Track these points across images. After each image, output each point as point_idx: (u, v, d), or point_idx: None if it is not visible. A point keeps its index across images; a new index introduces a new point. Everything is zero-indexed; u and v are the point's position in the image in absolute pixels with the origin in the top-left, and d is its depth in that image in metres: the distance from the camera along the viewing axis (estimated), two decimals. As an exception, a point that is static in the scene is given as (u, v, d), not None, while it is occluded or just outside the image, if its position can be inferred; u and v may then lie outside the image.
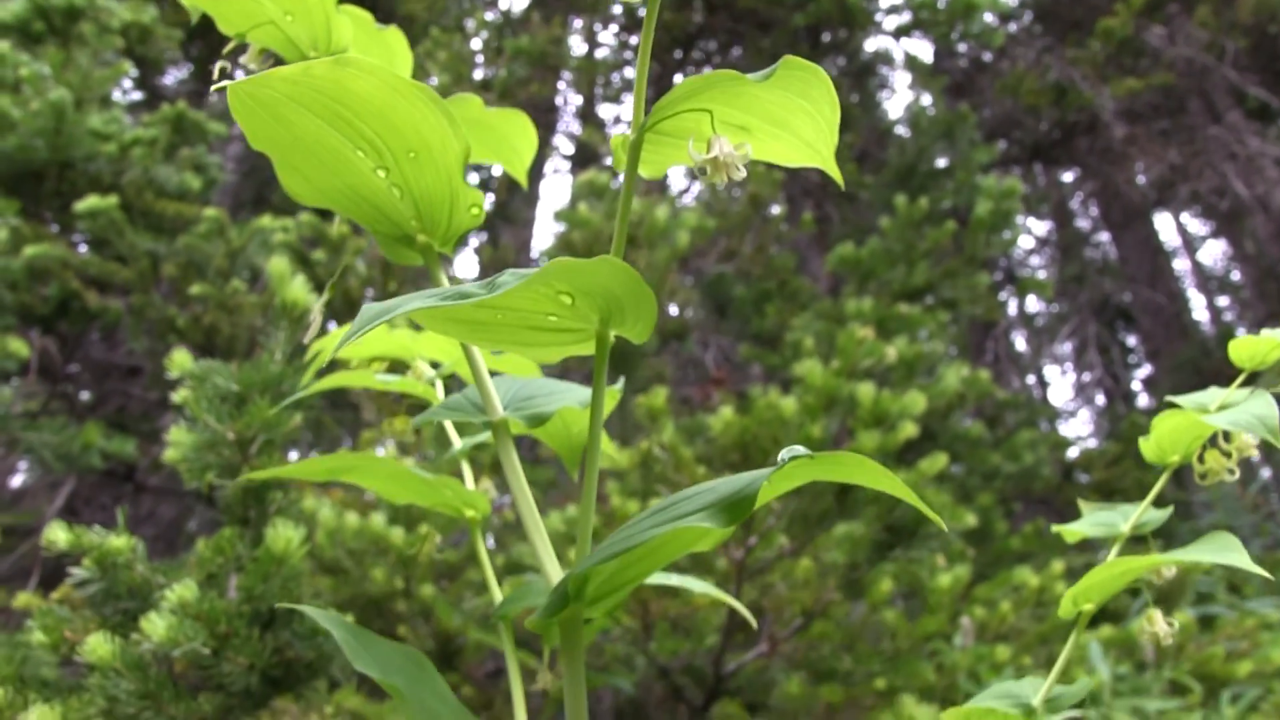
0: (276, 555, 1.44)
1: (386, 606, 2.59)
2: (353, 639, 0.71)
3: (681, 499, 0.59)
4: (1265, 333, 0.83)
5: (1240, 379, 0.87)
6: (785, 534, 2.44)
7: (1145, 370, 14.18)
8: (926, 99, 7.87)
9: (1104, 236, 15.10)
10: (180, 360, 1.89)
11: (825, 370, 2.29)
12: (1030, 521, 4.13)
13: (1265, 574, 0.69)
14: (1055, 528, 0.93)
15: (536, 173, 8.02)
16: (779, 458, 0.57)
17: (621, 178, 0.64)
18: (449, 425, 1.04)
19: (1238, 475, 0.82)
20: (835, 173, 0.69)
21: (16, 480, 6.11)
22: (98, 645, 1.33)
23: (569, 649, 0.65)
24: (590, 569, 0.60)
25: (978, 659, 2.34)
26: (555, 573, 0.68)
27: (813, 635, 2.45)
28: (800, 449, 0.57)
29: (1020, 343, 15.20)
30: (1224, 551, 0.73)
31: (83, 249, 4.69)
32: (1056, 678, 0.85)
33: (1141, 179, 10.34)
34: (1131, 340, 15.01)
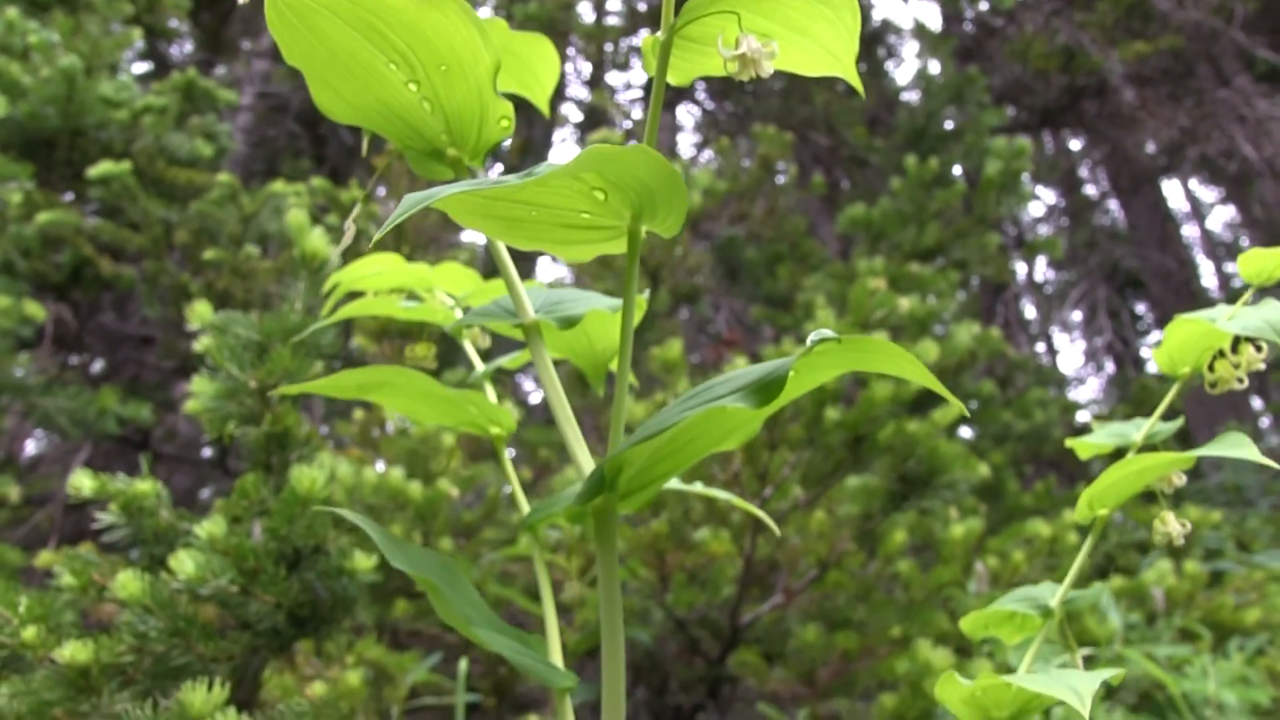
0: (301, 495, 1.46)
1: (405, 561, 2.62)
2: (389, 542, 0.73)
3: (714, 384, 0.61)
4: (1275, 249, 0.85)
5: (1248, 294, 0.89)
6: (800, 485, 2.47)
7: (1155, 336, 14.17)
8: (935, 66, 7.84)
9: (1113, 204, 15.06)
10: (201, 311, 1.91)
11: (838, 323, 2.31)
12: (1041, 480, 4.16)
13: (1274, 464, 0.71)
14: (1069, 441, 0.95)
15: (545, 141, 8.01)
16: (807, 340, 0.58)
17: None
18: (471, 351, 1.05)
19: (1245, 384, 0.84)
20: (855, 79, 0.70)
21: (30, 448, 6.16)
22: (128, 582, 1.36)
23: (603, 541, 0.67)
24: (624, 455, 0.62)
25: (987, 603, 2.35)
26: (588, 463, 0.70)
27: (827, 586, 2.47)
28: (827, 331, 0.58)
29: (1030, 310, 15.19)
30: (1236, 447, 0.75)
31: (94, 220, 4.71)
32: (1072, 583, 0.87)
33: (1150, 145, 10.30)
34: (1141, 307, 14.99)
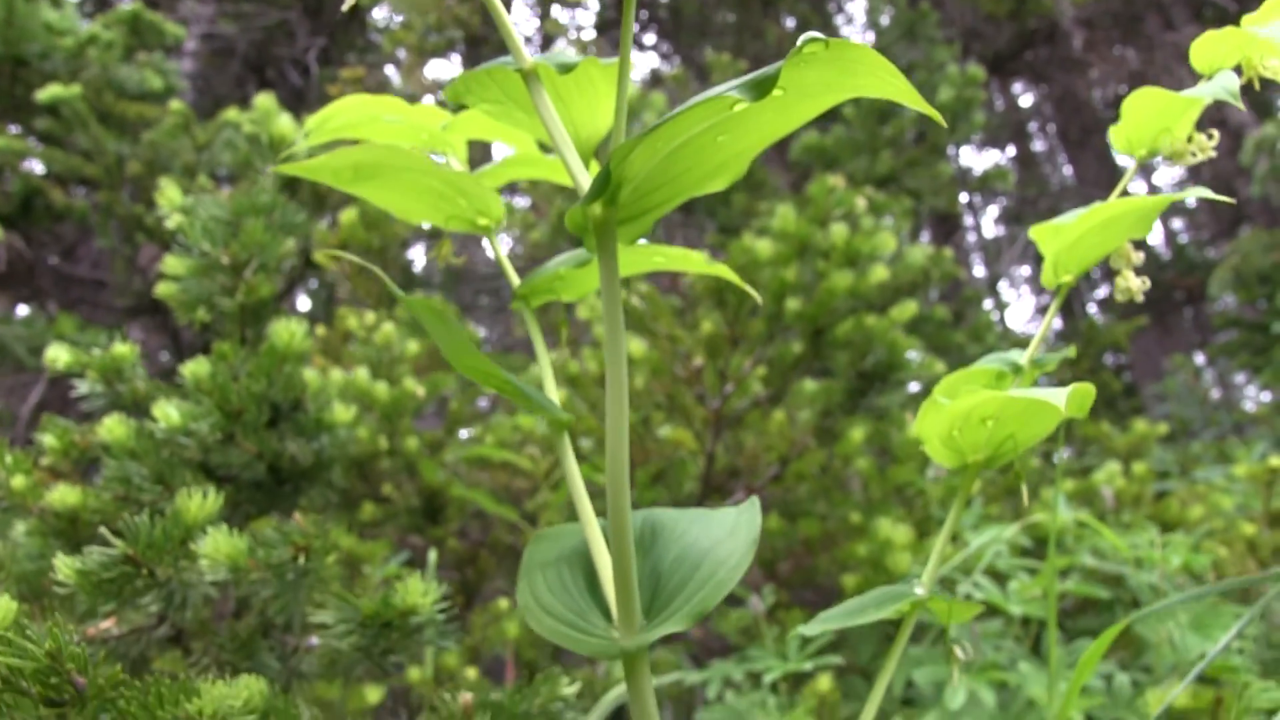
0: (280, 350, 1.48)
1: (370, 466, 2.65)
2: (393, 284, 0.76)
3: (713, 90, 0.64)
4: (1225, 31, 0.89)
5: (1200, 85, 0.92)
6: (760, 383, 2.52)
7: (1102, 291, 14.41)
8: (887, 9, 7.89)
9: (1063, 158, 15.26)
10: (170, 195, 1.91)
11: (798, 218, 2.35)
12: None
13: (1227, 200, 0.76)
14: (1032, 230, 0.99)
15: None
16: (798, 42, 0.62)
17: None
18: (458, 164, 1.07)
19: (1198, 157, 0.88)
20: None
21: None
22: (114, 426, 1.37)
23: (605, 260, 0.69)
24: (625, 166, 0.65)
25: (949, 490, 2.43)
26: (585, 179, 0.73)
27: (788, 482, 2.53)
28: (817, 33, 0.62)
29: (979, 268, 15.37)
30: (1195, 193, 0.80)
31: (42, 148, 4.63)
32: (1039, 343, 0.92)
33: (1099, 93, 10.44)
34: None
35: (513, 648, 2.17)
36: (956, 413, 0.80)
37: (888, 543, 2.13)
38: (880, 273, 2.35)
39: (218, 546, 1.11)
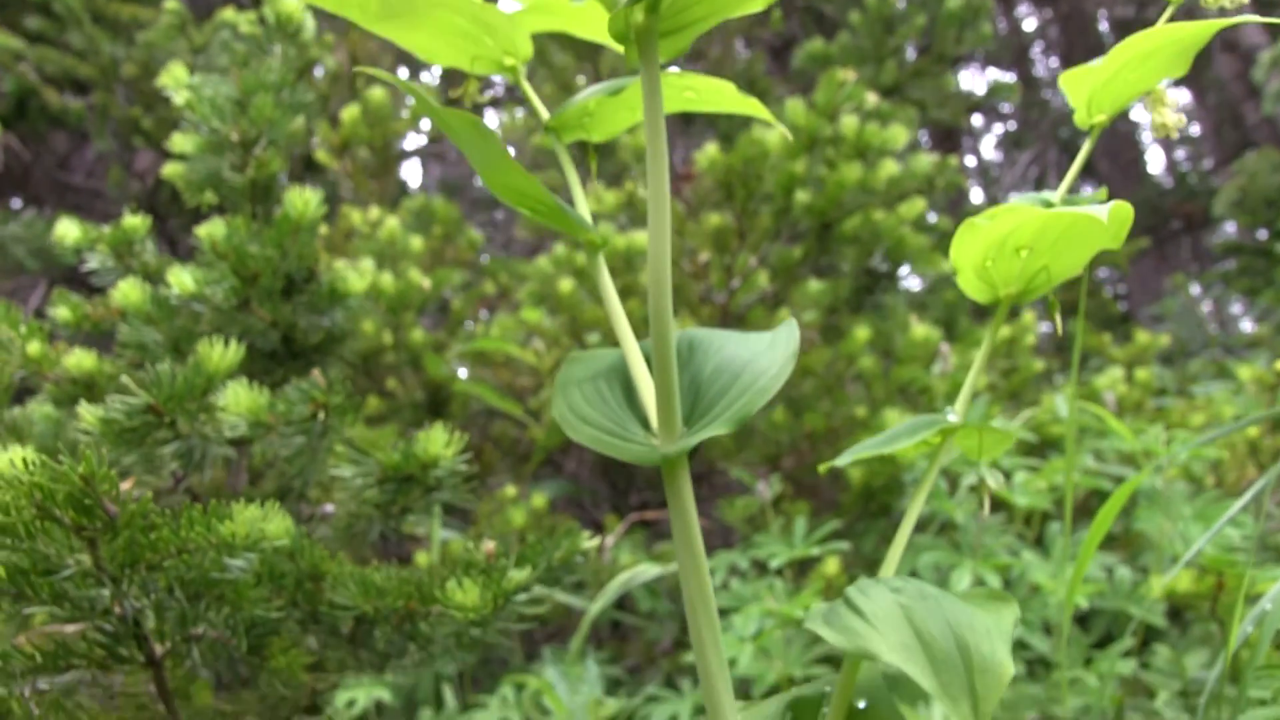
0: (294, 219, 1.47)
1: (375, 360, 2.65)
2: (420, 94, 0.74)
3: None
4: None
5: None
6: (767, 279, 2.51)
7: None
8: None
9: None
10: (177, 74, 1.88)
11: (808, 110, 2.33)
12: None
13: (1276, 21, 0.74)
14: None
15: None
16: None
17: None
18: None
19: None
20: None
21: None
22: (129, 291, 1.37)
23: (647, 64, 0.68)
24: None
25: (955, 385, 2.44)
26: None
27: (793, 378, 2.53)
28: None
29: (978, 192, 15.31)
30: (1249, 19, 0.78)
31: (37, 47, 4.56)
32: (1067, 187, 0.91)
33: (1105, 15, 10.31)
34: (1088, 189, 15.13)
35: (518, 535, 2.19)
36: (992, 239, 0.79)
37: (894, 433, 2.13)
38: (890, 167, 2.33)
39: (238, 399, 1.11)
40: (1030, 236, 0.79)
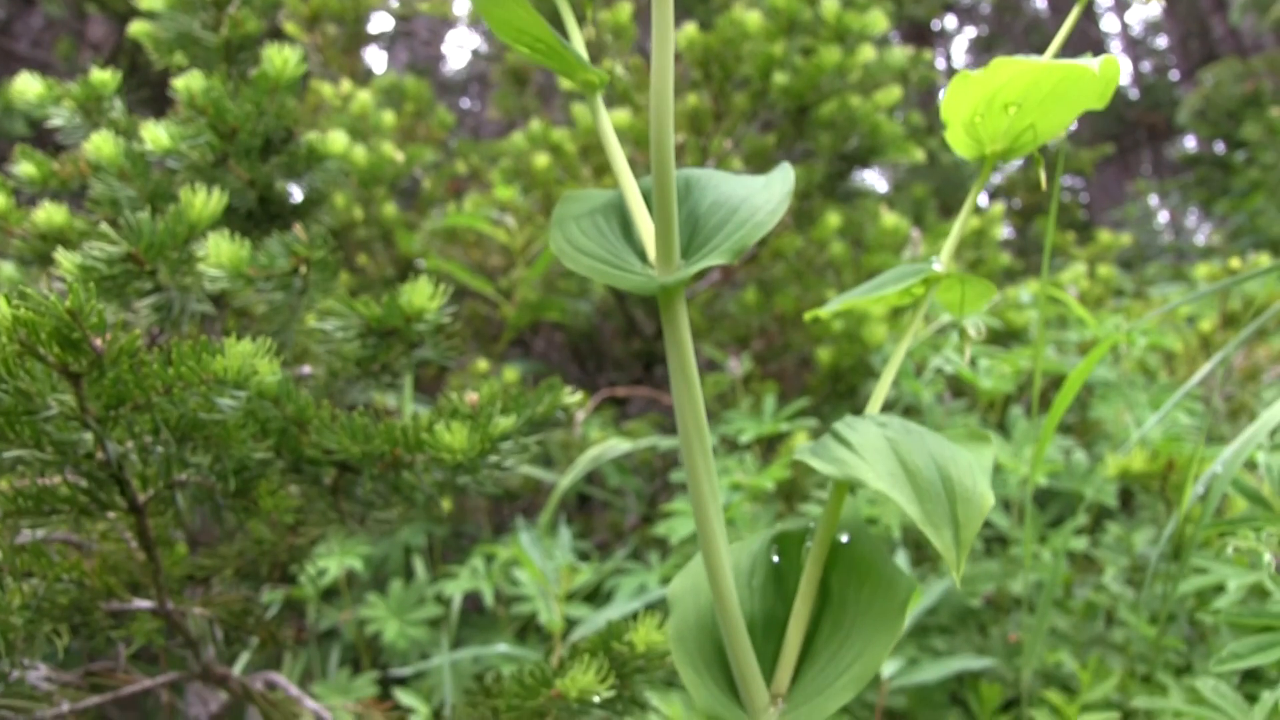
0: (273, 77, 1.45)
1: (346, 235, 2.63)
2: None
3: None
4: None
5: None
6: (743, 161, 2.50)
7: (1071, 126, 14.36)
8: None
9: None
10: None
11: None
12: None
13: None
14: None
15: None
16: None
17: None
18: None
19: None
20: None
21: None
22: (102, 144, 1.34)
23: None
24: None
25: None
26: None
27: (764, 261, 2.54)
28: None
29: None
30: None
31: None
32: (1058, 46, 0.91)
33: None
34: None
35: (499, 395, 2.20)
36: (984, 94, 0.79)
37: (865, 315, 2.16)
38: (868, 52, 2.32)
39: (220, 250, 1.10)
40: (1020, 92, 0.80)
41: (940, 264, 0.82)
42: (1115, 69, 0.77)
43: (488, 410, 0.99)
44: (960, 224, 0.85)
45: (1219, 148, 8.16)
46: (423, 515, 2.26)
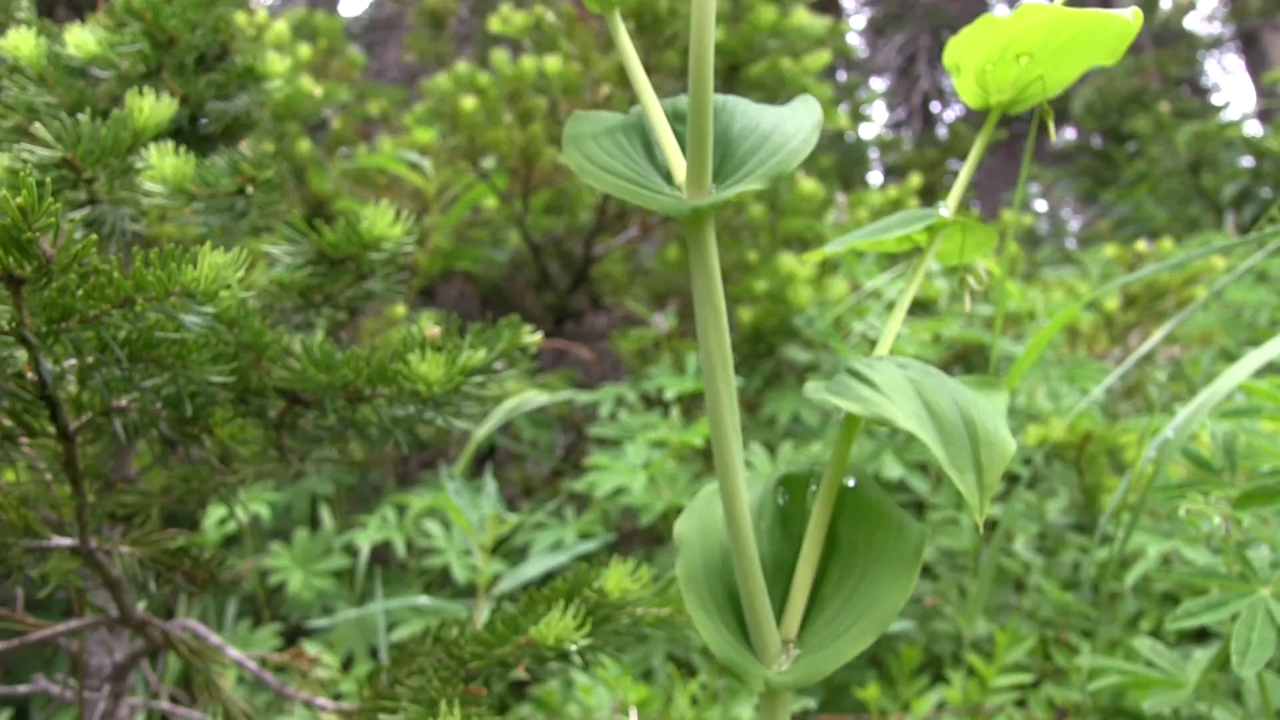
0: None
1: (253, 171, 2.51)
2: None
3: None
4: None
5: None
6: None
7: (959, 110, 14.70)
8: None
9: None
10: None
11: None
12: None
13: None
14: None
15: None
16: None
17: None
18: None
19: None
20: None
21: None
22: (21, 42, 1.24)
23: None
24: None
25: (845, 231, 2.47)
26: None
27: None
28: None
29: (840, 75, 15.40)
30: None
31: None
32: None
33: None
34: (947, 83, 15.43)
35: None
36: (1001, 41, 0.78)
37: (791, 276, 2.16)
38: (803, 15, 2.31)
39: (163, 162, 1.03)
40: (1037, 41, 0.79)
41: (947, 209, 0.81)
42: (1138, 22, 0.76)
43: (457, 342, 0.94)
44: (967, 173, 0.83)
45: (1096, 141, 8.43)
46: (381, 453, 2.18)
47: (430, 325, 1.00)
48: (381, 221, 1.03)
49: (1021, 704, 1.63)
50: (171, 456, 1.55)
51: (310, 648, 1.72)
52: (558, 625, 0.81)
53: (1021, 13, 0.75)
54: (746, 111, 0.69)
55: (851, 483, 0.72)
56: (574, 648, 0.81)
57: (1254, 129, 5.80)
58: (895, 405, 0.63)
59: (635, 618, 0.93)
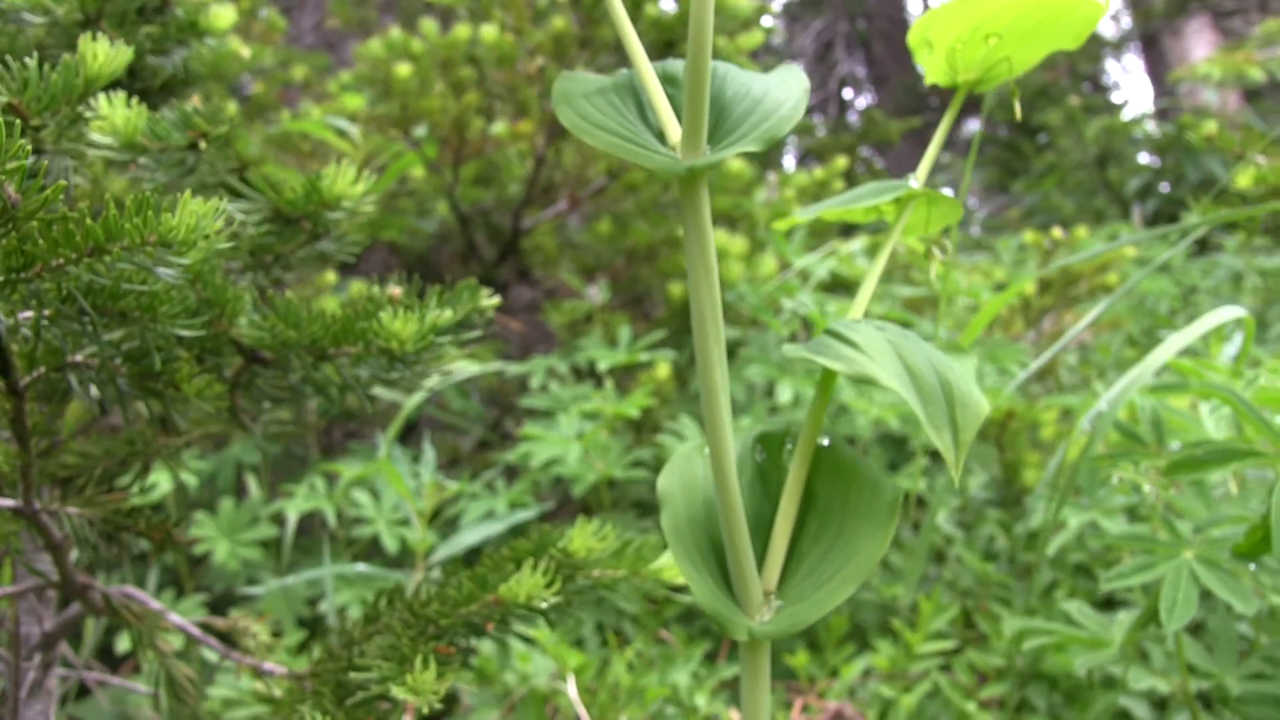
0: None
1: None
2: None
3: None
4: None
5: None
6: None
7: (870, 97, 14.90)
8: None
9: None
10: None
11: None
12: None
13: None
14: None
15: None
16: None
17: None
18: None
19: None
20: None
21: None
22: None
23: None
24: None
25: (776, 213, 2.50)
26: None
27: (615, 194, 2.53)
28: None
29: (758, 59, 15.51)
30: None
31: None
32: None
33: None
34: (860, 70, 15.65)
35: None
36: (973, 20, 0.80)
37: (724, 251, 2.18)
38: (739, -9, 2.32)
39: (114, 113, 1.01)
40: (1008, 22, 0.81)
41: (916, 181, 0.83)
42: (1107, 6, 0.79)
43: (426, 302, 0.94)
44: (934, 148, 0.86)
45: (1002, 131, 8.63)
46: (339, 414, 2.14)
47: (393, 286, 1.00)
48: (343, 180, 1.02)
49: (946, 669, 1.68)
50: (103, 418, 1.52)
51: (240, 616, 1.70)
52: (528, 583, 0.81)
53: (996, -8, 0.78)
54: (738, 77, 0.71)
55: (825, 442, 0.74)
56: (544, 605, 0.81)
57: (1151, 128, 5.99)
58: (877, 365, 0.65)
59: (593, 579, 0.95)
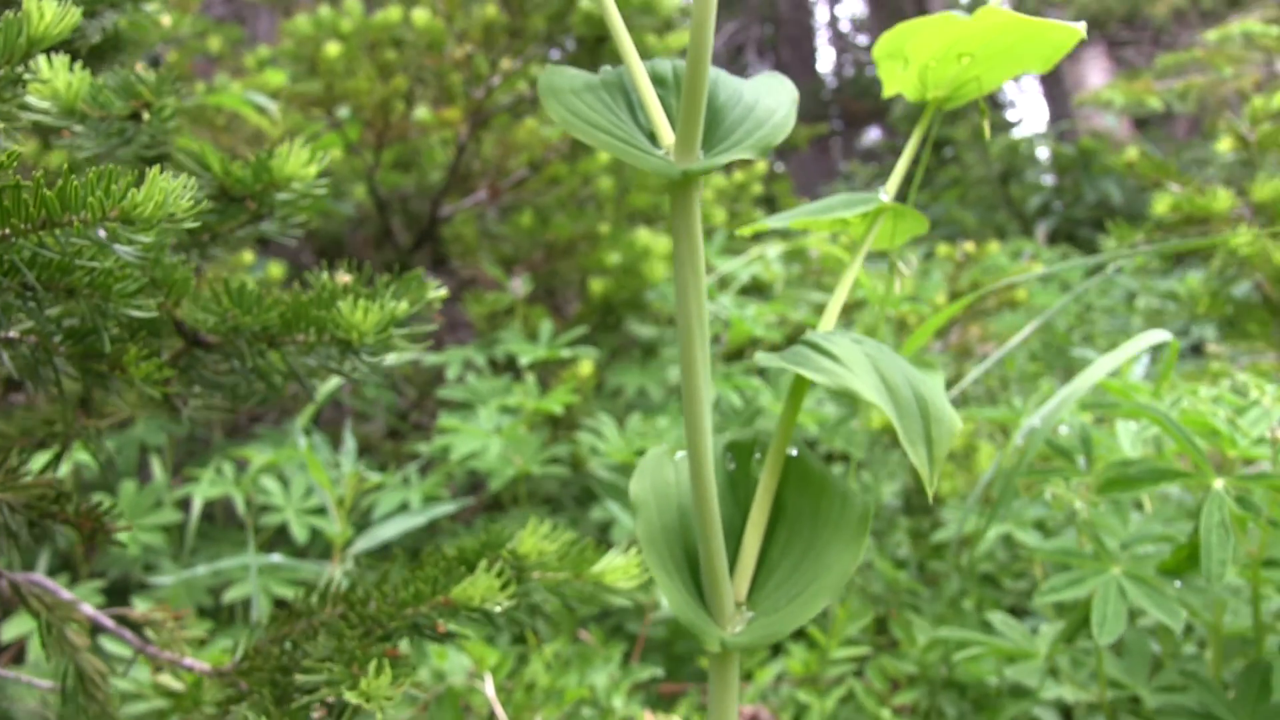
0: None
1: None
2: None
3: None
4: None
5: None
6: (529, 84, 2.45)
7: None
8: None
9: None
10: None
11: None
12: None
13: None
14: None
15: None
16: None
17: None
18: None
19: None
20: None
21: None
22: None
23: None
24: None
25: (705, 207, 2.51)
26: None
27: (537, 186, 2.51)
28: None
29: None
30: None
31: None
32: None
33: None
34: (765, 68, 15.92)
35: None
36: (949, 39, 0.81)
37: (646, 250, 2.18)
38: (670, -8, 2.33)
39: (58, 76, 0.96)
40: (981, 43, 0.82)
41: (886, 195, 0.84)
42: (1077, 37, 0.80)
43: (383, 291, 0.92)
44: (905, 161, 0.87)
45: (901, 142, 8.81)
46: (284, 403, 2.07)
47: (342, 273, 0.97)
48: (295, 160, 0.99)
49: (859, 674, 1.71)
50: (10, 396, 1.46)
51: (140, 606, 1.64)
52: (483, 585, 0.80)
53: (981, 15, 0.79)
54: (728, 83, 0.70)
55: (794, 452, 0.74)
56: (498, 609, 0.80)
57: (1043, 153, 6.17)
58: (857, 378, 0.66)
59: (535, 581, 0.94)
